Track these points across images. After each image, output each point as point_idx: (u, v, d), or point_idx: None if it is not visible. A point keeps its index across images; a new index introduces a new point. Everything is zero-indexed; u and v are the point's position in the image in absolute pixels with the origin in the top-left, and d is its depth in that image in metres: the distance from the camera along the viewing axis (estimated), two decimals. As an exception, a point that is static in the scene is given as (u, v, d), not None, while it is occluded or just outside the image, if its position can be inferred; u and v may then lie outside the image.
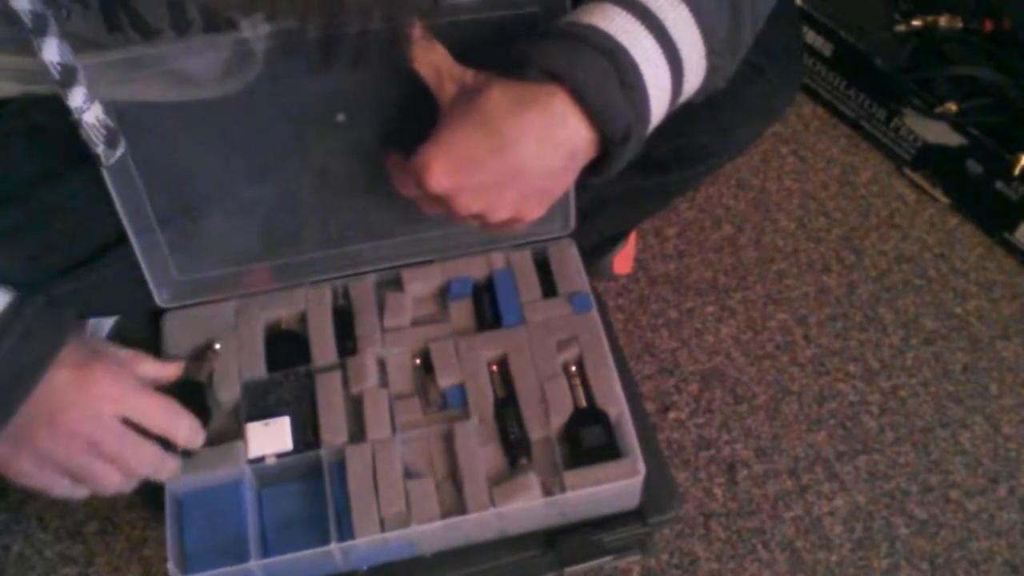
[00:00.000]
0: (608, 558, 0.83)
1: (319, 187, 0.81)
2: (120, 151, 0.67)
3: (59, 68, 0.60)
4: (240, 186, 0.78)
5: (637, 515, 0.82)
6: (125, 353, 0.74)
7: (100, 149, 0.65)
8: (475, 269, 0.88)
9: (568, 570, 0.82)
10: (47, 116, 0.69)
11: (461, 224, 0.71)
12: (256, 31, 0.66)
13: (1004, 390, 1.14)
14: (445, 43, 0.69)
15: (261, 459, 0.78)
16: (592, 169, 0.67)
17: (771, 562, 1.01)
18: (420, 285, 0.88)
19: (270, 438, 0.79)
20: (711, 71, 0.67)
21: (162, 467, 0.73)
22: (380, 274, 0.88)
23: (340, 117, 0.76)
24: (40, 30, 0.58)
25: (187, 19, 0.63)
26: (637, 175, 0.93)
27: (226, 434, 0.80)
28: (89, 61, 0.62)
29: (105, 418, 0.67)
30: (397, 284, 0.88)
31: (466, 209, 0.66)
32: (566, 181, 0.67)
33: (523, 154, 0.63)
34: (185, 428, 0.74)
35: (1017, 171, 1.18)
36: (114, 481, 0.69)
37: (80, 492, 0.70)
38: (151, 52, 0.64)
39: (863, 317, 1.20)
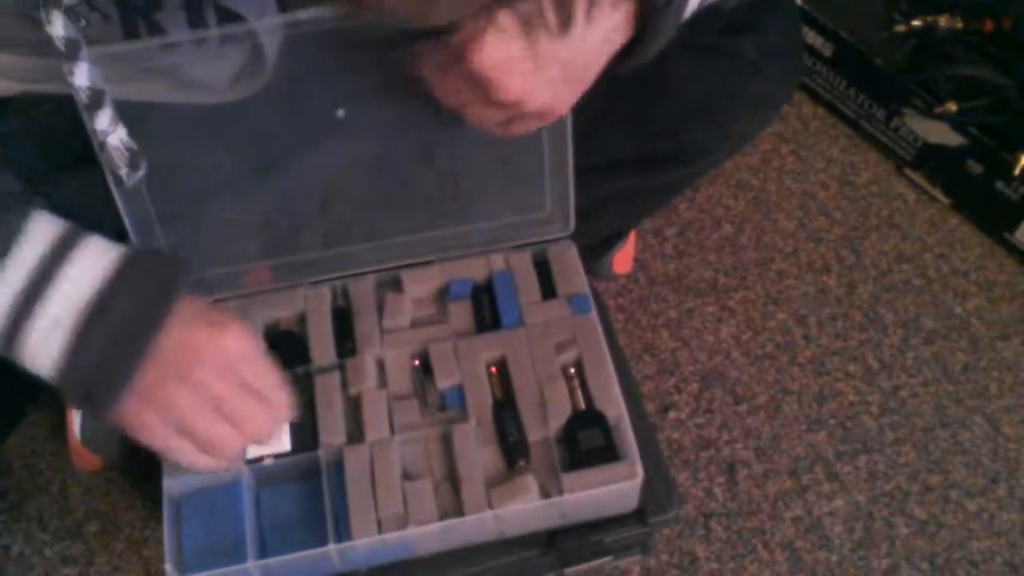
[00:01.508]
0: (608, 558, 0.83)
1: (319, 188, 0.81)
2: (141, 172, 0.67)
3: (88, 92, 0.61)
4: (240, 186, 0.78)
5: (637, 515, 0.82)
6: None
7: (123, 172, 0.65)
8: (474, 270, 0.88)
9: (568, 570, 0.82)
10: (47, 114, 0.69)
11: (480, 121, 0.69)
12: (272, 37, 0.66)
13: (1004, 390, 1.13)
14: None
15: (259, 460, 0.78)
16: (627, 52, 0.66)
17: (771, 562, 1.01)
18: (419, 286, 0.88)
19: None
20: None
21: (272, 432, 0.70)
22: (379, 275, 0.88)
23: (340, 113, 0.76)
24: (72, 55, 0.59)
25: (205, 27, 0.64)
26: (636, 173, 0.93)
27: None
28: (102, 51, 0.63)
29: (233, 375, 0.64)
30: (396, 285, 0.88)
31: (507, 91, 0.64)
32: (601, 63, 0.66)
33: (567, 37, 0.62)
34: (288, 401, 0.71)
35: (1017, 171, 1.17)
36: (232, 446, 0.66)
37: (201, 461, 0.67)
38: (162, 52, 0.65)
39: (863, 317, 1.20)
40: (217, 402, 0.63)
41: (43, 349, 0.59)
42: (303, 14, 0.65)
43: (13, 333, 0.58)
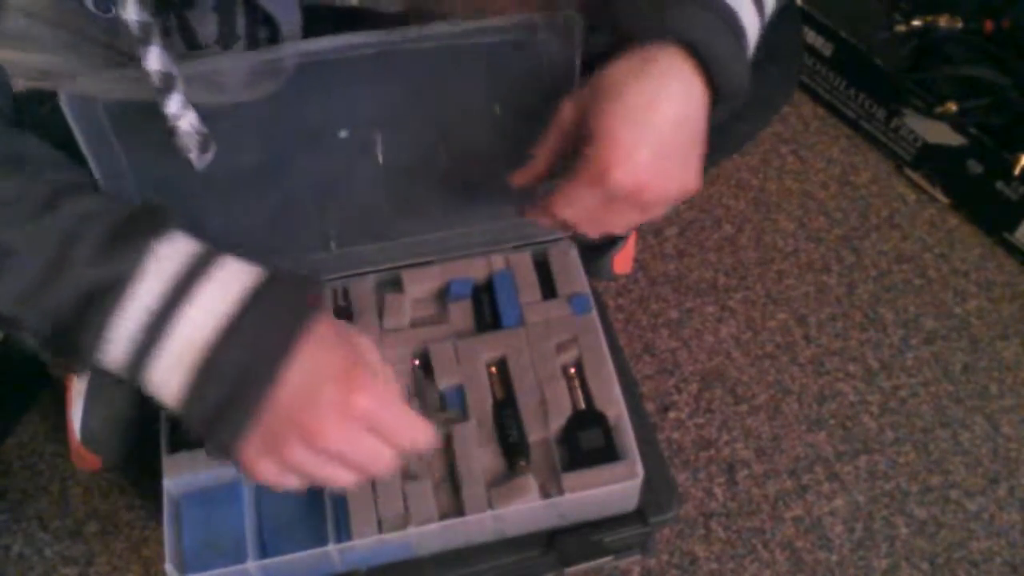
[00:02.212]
0: (608, 558, 0.83)
1: (322, 190, 0.81)
2: (211, 154, 0.67)
3: (160, 75, 0.60)
4: (242, 188, 0.78)
5: (637, 515, 0.82)
6: (378, 358, 0.64)
7: (193, 155, 0.65)
8: (475, 270, 0.88)
9: (568, 570, 0.82)
10: (46, 112, 0.69)
11: (625, 227, 0.70)
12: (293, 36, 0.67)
13: (1004, 390, 1.13)
14: (456, 68, 0.70)
15: (260, 460, 0.78)
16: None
17: (771, 562, 1.01)
18: (420, 286, 0.88)
19: (269, 439, 0.79)
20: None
21: (387, 467, 0.63)
22: (380, 275, 0.88)
23: (343, 134, 0.76)
24: (145, 39, 0.59)
25: (235, 35, 0.64)
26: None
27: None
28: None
29: (360, 433, 0.59)
30: (397, 285, 0.88)
31: (665, 191, 0.65)
32: (704, 136, 0.67)
33: (681, 118, 0.64)
34: (421, 443, 0.64)
35: (1017, 171, 1.17)
36: (346, 482, 0.61)
37: (308, 485, 0.62)
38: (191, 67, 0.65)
39: (863, 317, 1.20)
40: (340, 457, 0.59)
41: (166, 389, 0.56)
42: (350, 38, 0.67)
43: (137, 371, 0.56)
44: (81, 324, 0.54)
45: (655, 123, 0.63)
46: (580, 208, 0.67)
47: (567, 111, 0.67)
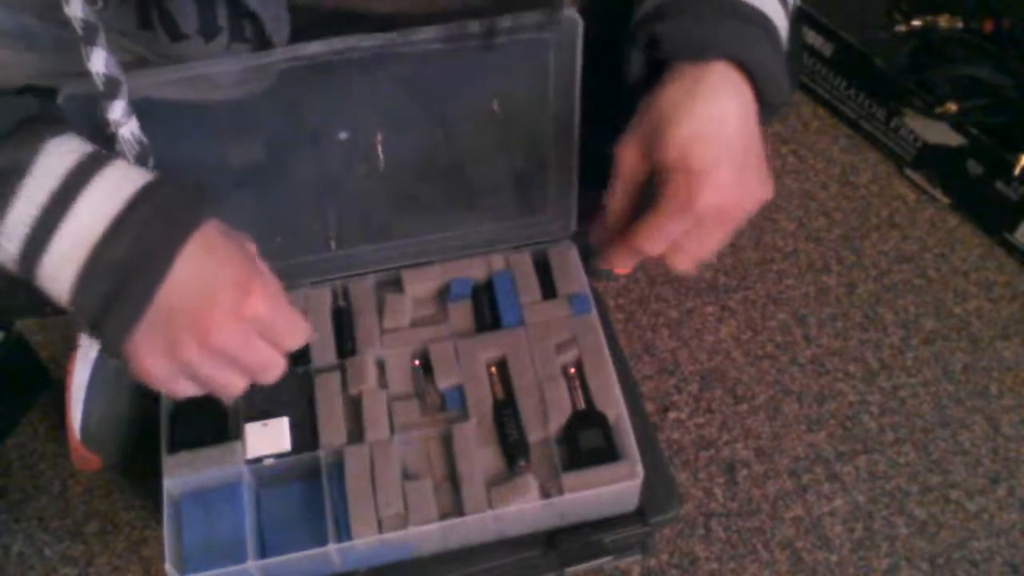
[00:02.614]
0: (608, 558, 0.83)
1: (322, 191, 0.81)
2: (149, 167, 0.65)
3: (104, 78, 0.60)
4: (242, 188, 0.78)
5: (637, 515, 0.82)
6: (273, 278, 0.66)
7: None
8: (475, 270, 0.88)
9: (568, 570, 0.82)
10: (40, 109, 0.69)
11: (709, 255, 0.70)
12: (280, 34, 0.67)
13: (1004, 390, 1.13)
14: (457, 69, 0.71)
15: (259, 460, 0.78)
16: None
17: (771, 562, 1.01)
18: (420, 286, 0.88)
19: (269, 439, 0.79)
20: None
21: (276, 373, 0.65)
22: (380, 275, 0.88)
23: (342, 135, 0.76)
24: (90, 39, 0.59)
25: (216, 26, 0.64)
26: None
27: (225, 434, 0.80)
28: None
29: (253, 338, 0.61)
30: (397, 285, 0.88)
31: (747, 204, 0.66)
32: (762, 140, 0.67)
33: (746, 129, 0.64)
34: (308, 332, 0.66)
35: (1017, 171, 1.17)
36: (236, 388, 0.63)
37: (198, 392, 0.64)
38: (171, 44, 0.64)
39: (863, 317, 1.20)
40: (233, 359, 0.61)
41: (56, 284, 0.58)
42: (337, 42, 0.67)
43: (29, 266, 0.58)
44: None
45: (726, 139, 0.63)
46: (667, 239, 0.66)
47: (627, 154, 0.67)
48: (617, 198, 0.69)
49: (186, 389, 0.62)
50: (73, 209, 0.57)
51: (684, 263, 0.69)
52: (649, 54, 0.66)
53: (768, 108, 0.66)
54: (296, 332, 0.63)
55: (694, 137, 0.63)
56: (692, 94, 0.63)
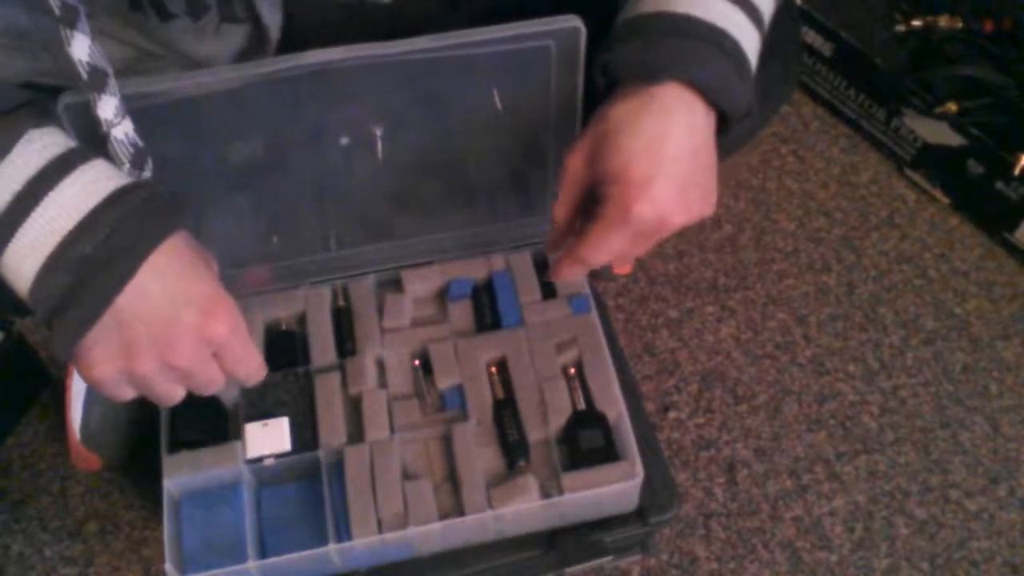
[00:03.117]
0: (608, 558, 0.83)
1: (322, 190, 0.81)
2: (147, 173, 0.64)
3: (88, 68, 0.59)
4: (242, 188, 0.78)
5: (637, 515, 0.82)
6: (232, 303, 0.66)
7: (125, 168, 0.62)
8: (474, 270, 0.88)
9: (568, 570, 0.82)
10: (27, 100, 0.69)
11: (637, 255, 0.71)
12: (272, 15, 0.66)
13: (1004, 390, 1.13)
14: (459, 75, 0.70)
15: (260, 459, 0.78)
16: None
17: (771, 562, 1.01)
18: (420, 286, 0.88)
19: (269, 438, 0.79)
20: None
21: (216, 390, 0.66)
22: (380, 275, 0.88)
23: (344, 140, 0.76)
24: (69, 22, 0.57)
25: (204, 4, 0.63)
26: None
27: (225, 434, 0.80)
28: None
29: (208, 358, 0.62)
30: (397, 285, 0.88)
31: (683, 217, 0.66)
32: (715, 160, 0.68)
33: (692, 148, 0.65)
34: (255, 379, 0.67)
35: (1017, 171, 1.17)
36: (176, 399, 0.64)
37: (135, 396, 0.64)
38: (160, 24, 0.64)
39: (863, 317, 1.20)
40: (185, 375, 0.61)
41: (18, 274, 0.57)
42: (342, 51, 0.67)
43: None
44: None
45: (668, 154, 0.64)
46: (610, 249, 0.67)
47: (574, 162, 0.68)
48: (562, 205, 0.70)
49: (125, 394, 0.62)
50: (45, 201, 0.56)
51: (622, 267, 0.71)
52: (605, 77, 0.67)
53: (734, 120, 0.67)
54: (248, 354, 0.64)
55: (635, 151, 0.64)
56: (639, 110, 0.65)
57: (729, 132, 0.68)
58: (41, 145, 0.57)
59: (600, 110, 0.67)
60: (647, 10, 0.66)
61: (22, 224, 0.56)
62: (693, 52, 0.64)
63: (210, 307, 0.60)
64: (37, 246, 0.56)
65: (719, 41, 0.64)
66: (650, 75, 0.64)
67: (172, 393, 0.63)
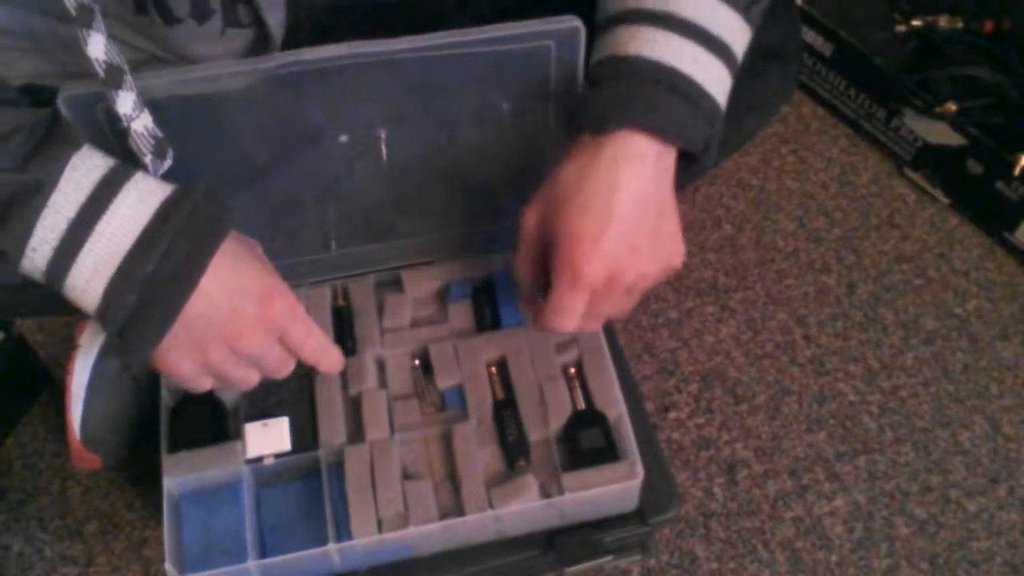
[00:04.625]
0: (608, 558, 0.83)
1: (322, 190, 0.81)
2: (168, 162, 0.66)
3: (104, 66, 0.60)
4: (243, 188, 0.78)
5: (637, 515, 0.82)
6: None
7: (148, 159, 0.64)
8: (475, 270, 0.88)
9: (568, 570, 0.82)
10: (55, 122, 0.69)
11: (617, 316, 0.72)
12: (276, 19, 0.67)
13: (1004, 390, 1.13)
14: (459, 75, 0.71)
15: (260, 459, 0.78)
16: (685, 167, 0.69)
17: (771, 562, 1.01)
18: (420, 286, 0.88)
19: (269, 438, 0.79)
20: (752, 22, 0.69)
21: (289, 369, 0.71)
22: (380, 275, 0.88)
23: (343, 138, 0.76)
24: (85, 22, 0.58)
25: (208, 8, 0.64)
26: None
27: (225, 434, 0.80)
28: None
29: (274, 342, 0.67)
30: (397, 285, 0.88)
31: (640, 272, 0.66)
32: (673, 201, 0.68)
33: (641, 198, 0.65)
34: (331, 364, 0.74)
35: (1017, 171, 1.17)
36: (252, 383, 0.70)
37: (216, 386, 0.70)
38: (165, 27, 0.64)
39: (863, 317, 1.20)
40: (255, 361, 0.67)
41: (83, 296, 0.59)
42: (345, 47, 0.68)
43: (56, 277, 0.59)
44: (4, 230, 0.57)
45: (613, 210, 0.64)
46: (573, 312, 0.68)
47: (529, 220, 0.69)
48: (521, 261, 0.72)
49: (205, 384, 0.67)
50: (101, 224, 0.58)
51: (595, 326, 0.72)
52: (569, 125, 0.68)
53: (700, 154, 0.67)
54: (311, 333, 0.70)
55: (582, 209, 0.64)
56: (587, 168, 0.65)
57: (696, 163, 0.68)
58: (85, 170, 0.59)
59: (554, 167, 0.67)
60: (604, 54, 0.66)
61: (81, 249, 0.58)
62: (639, 96, 0.64)
63: (266, 295, 0.65)
64: (99, 268, 0.59)
65: (668, 80, 0.64)
66: (598, 125, 0.65)
67: (248, 377, 0.68)
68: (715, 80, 0.66)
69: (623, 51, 0.64)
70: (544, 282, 0.70)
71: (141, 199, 0.60)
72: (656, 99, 0.64)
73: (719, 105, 0.67)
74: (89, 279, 0.59)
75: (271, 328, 0.65)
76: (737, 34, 0.67)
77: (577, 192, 0.65)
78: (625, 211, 0.64)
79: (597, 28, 0.68)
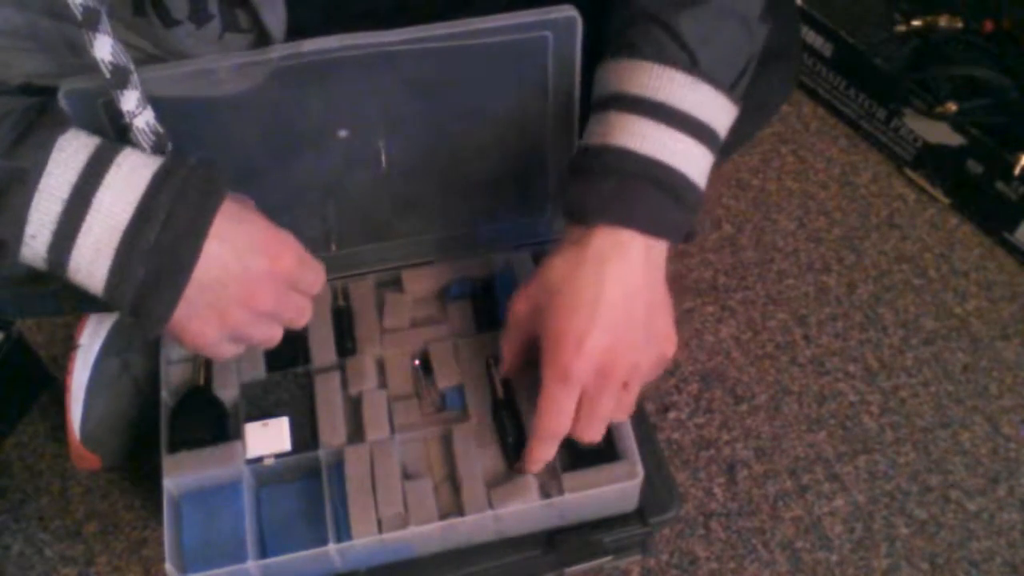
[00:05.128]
0: (608, 558, 0.83)
1: (322, 190, 0.81)
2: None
3: (110, 67, 0.60)
4: (242, 188, 0.78)
5: (637, 515, 0.82)
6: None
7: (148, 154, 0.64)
8: (475, 270, 0.88)
9: (568, 570, 0.82)
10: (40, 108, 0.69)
11: (620, 416, 0.73)
12: (276, 23, 0.66)
13: (1004, 390, 1.13)
14: (456, 68, 0.71)
15: (260, 459, 0.78)
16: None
17: (771, 562, 1.01)
18: (420, 286, 0.88)
19: (269, 438, 0.79)
20: (737, 101, 0.69)
21: (308, 315, 0.71)
22: (380, 275, 0.88)
23: (342, 133, 0.76)
24: (91, 24, 0.58)
25: (207, 12, 0.64)
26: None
27: (225, 434, 0.80)
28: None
29: (288, 292, 0.67)
30: (397, 285, 0.88)
31: (631, 366, 0.67)
32: (665, 289, 0.69)
33: (629, 292, 0.65)
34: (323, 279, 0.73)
35: (1017, 171, 1.17)
36: (276, 338, 0.70)
37: (240, 351, 0.70)
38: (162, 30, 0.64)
39: (863, 317, 1.20)
40: (274, 315, 0.66)
41: (89, 277, 0.59)
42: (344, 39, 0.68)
43: (58, 262, 0.59)
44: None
45: (600, 308, 0.65)
46: (566, 413, 0.68)
47: (519, 307, 0.70)
48: (509, 344, 0.73)
49: (229, 351, 0.67)
50: (95, 201, 0.58)
51: (596, 434, 0.71)
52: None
53: (679, 242, 0.68)
54: (319, 275, 0.69)
55: (569, 308, 0.65)
56: (574, 264, 0.66)
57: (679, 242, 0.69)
58: (73, 150, 0.59)
59: (545, 258, 0.68)
60: (593, 142, 0.67)
61: (79, 229, 0.58)
62: (622, 191, 0.65)
63: (274, 248, 0.65)
64: (101, 246, 0.59)
65: (652, 174, 0.64)
66: (582, 219, 0.65)
67: (271, 335, 0.68)
68: (702, 169, 0.67)
69: (614, 141, 0.65)
70: (528, 359, 0.72)
71: (134, 171, 0.60)
72: (644, 196, 0.65)
73: (703, 193, 0.68)
74: (93, 259, 0.59)
75: (285, 281, 0.65)
76: (723, 118, 0.69)
77: (564, 288, 0.66)
78: (611, 309, 0.65)
79: (593, 105, 0.69)
